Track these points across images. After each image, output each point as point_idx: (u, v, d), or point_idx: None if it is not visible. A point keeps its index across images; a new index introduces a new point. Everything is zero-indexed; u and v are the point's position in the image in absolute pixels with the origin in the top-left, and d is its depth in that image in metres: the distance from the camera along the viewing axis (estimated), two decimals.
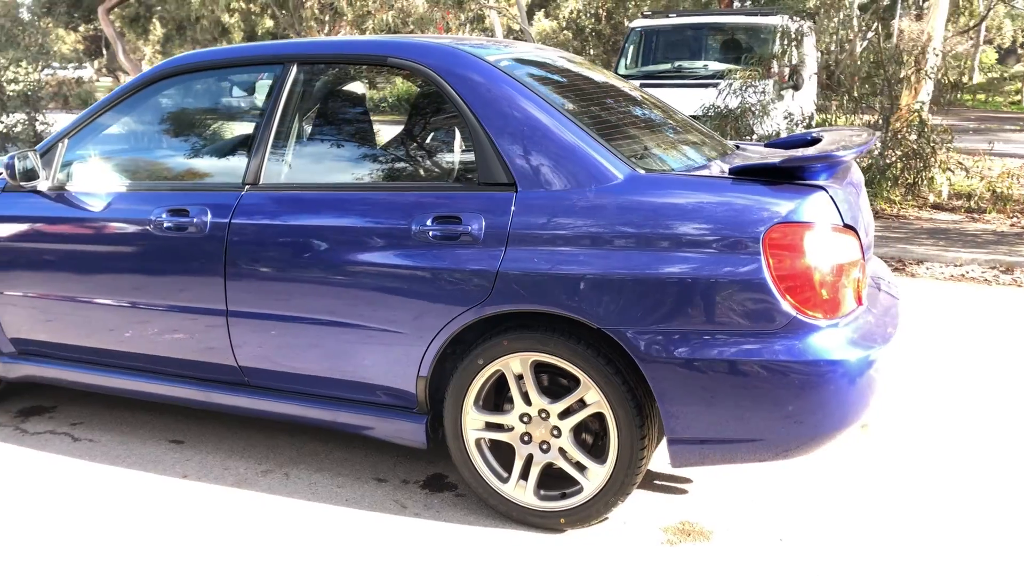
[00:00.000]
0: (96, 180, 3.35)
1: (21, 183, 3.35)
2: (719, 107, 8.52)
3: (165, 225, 3.10)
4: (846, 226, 2.52)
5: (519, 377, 2.74)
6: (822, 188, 2.50)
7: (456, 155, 2.98)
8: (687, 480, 3.09)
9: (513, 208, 2.65)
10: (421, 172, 2.97)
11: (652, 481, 3.07)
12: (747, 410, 2.48)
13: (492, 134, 2.72)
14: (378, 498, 3.02)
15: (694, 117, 8.46)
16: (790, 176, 2.53)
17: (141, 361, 3.34)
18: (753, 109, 8.42)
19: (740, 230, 2.43)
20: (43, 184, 3.37)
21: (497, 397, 2.81)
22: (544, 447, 2.76)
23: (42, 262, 3.40)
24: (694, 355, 2.47)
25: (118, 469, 3.27)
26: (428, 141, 3.04)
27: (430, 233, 2.73)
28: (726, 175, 2.62)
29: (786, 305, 2.40)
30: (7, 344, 3.58)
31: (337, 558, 2.67)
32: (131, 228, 3.18)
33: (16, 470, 3.28)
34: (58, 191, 3.37)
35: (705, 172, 2.71)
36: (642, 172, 2.61)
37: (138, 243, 3.17)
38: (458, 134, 2.91)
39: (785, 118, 8.71)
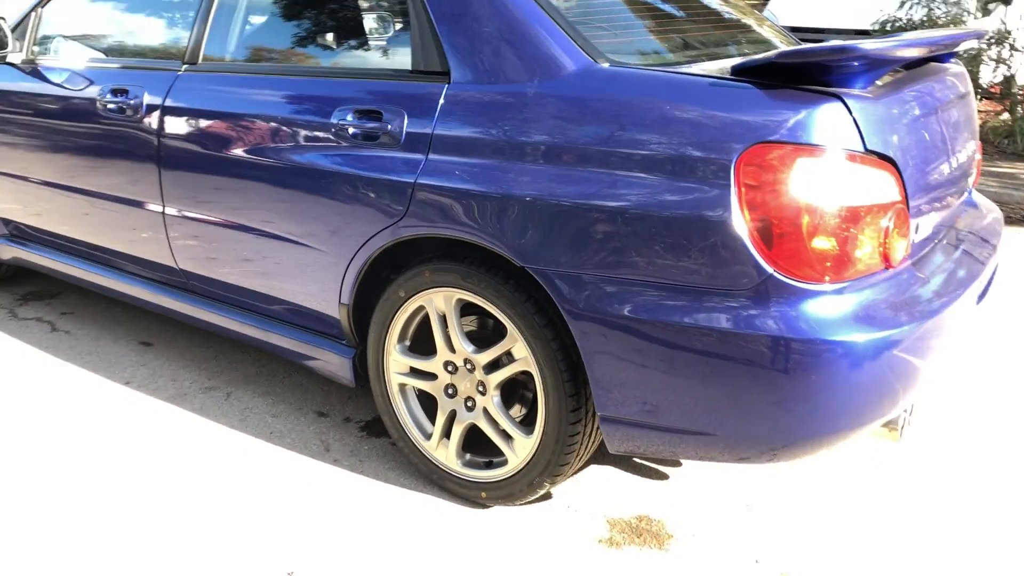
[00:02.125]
0: (64, 54, 3.07)
1: None
2: (899, 19, 7.21)
3: (108, 106, 2.78)
4: (872, 154, 1.78)
5: (443, 318, 2.23)
6: (838, 97, 1.76)
7: (395, 33, 2.43)
8: (675, 464, 2.49)
9: (441, 103, 2.09)
10: (358, 54, 2.45)
11: (629, 461, 2.49)
12: (693, 395, 1.85)
13: (429, 3, 2.15)
14: (306, 435, 2.64)
15: (862, 32, 7.28)
16: (804, 77, 1.80)
17: (100, 253, 3.09)
18: (943, 23, 7.05)
19: (707, 149, 1.76)
20: (15, 56, 3.13)
21: (428, 341, 2.31)
22: (469, 404, 2.25)
23: (12, 138, 3.19)
24: (632, 313, 1.85)
25: (72, 366, 3.08)
26: (372, 17, 2.50)
27: (349, 130, 2.22)
28: (721, 75, 1.92)
29: (760, 258, 1.73)
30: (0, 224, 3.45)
31: (212, 496, 2.32)
32: (84, 107, 2.88)
33: None
34: (30, 64, 3.13)
35: (696, 70, 2.00)
36: (603, 65, 1.96)
37: (89, 124, 2.88)
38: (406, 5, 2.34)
39: (989, 39, 7.18)
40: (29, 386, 2.93)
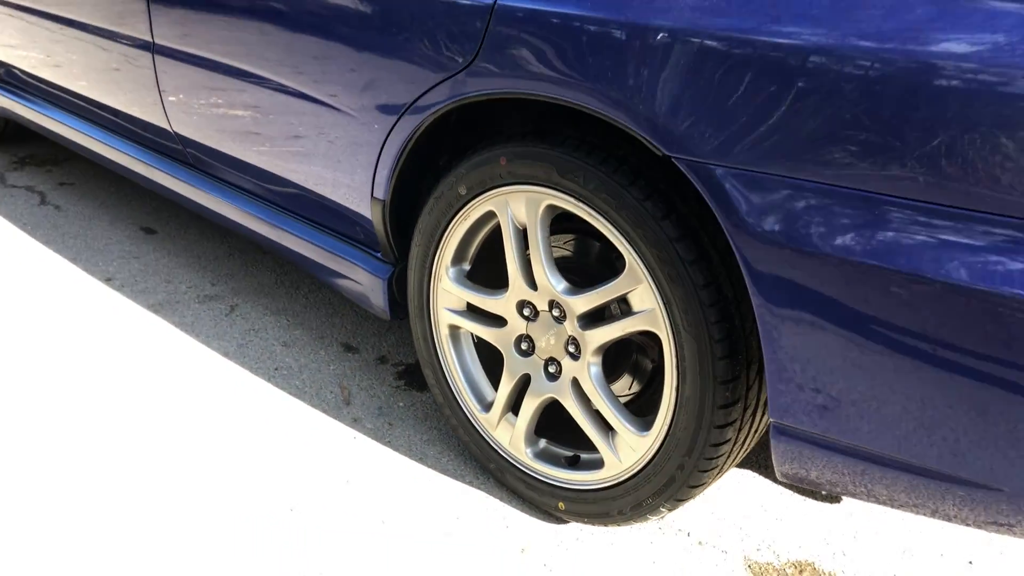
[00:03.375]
0: None
1: None
2: None
3: None
4: None
5: (522, 234, 1.42)
6: None
7: None
8: None
9: None
10: None
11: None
12: (977, 422, 1.01)
13: None
14: (322, 377, 1.90)
15: None
16: None
17: (89, 107, 2.37)
18: None
19: None
20: None
21: (498, 267, 1.50)
22: (552, 370, 1.46)
23: None
24: (869, 255, 1.01)
25: (47, 251, 2.41)
26: None
27: None
28: None
29: None
30: None
31: (159, 463, 1.62)
32: None
33: None
34: None
35: None
36: None
37: None
38: None
39: None
40: None
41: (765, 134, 1.04)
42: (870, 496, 1.17)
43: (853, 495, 1.19)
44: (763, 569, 1.44)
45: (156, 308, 2.15)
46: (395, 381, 1.90)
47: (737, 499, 1.58)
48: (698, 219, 1.21)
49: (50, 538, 1.43)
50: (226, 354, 1.97)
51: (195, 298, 2.20)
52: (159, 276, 2.30)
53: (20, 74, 2.62)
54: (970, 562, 1.46)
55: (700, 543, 1.48)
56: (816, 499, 1.59)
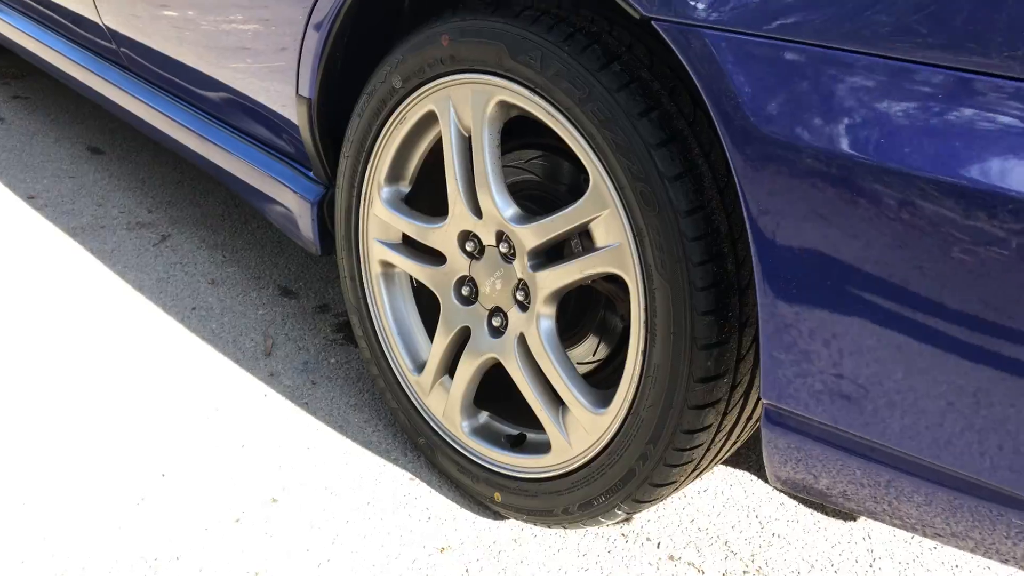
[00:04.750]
0: None
1: None
2: None
3: None
4: None
5: (467, 140, 1.09)
6: None
7: None
8: None
9: None
10: None
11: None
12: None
13: None
14: (247, 321, 1.60)
15: None
16: None
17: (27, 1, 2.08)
18: None
19: None
20: None
21: (440, 190, 1.17)
22: (496, 322, 1.13)
23: None
24: (907, 150, 0.67)
25: None
26: None
27: None
28: None
29: None
30: None
31: (46, 393, 1.32)
32: None
33: None
34: None
35: None
36: None
37: None
38: None
39: None
40: None
41: None
42: (894, 518, 0.84)
43: (872, 515, 0.86)
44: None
45: (75, 232, 1.86)
46: (332, 334, 1.59)
47: (725, 507, 1.25)
48: (689, 121, 0.88)
49: None
50: (140, 287, 1.67)
51: (124, 224, 1.91)
52: (91, 198, 2.01)
53: None
54: None
55: (672, 558, 1.16)
56: (826, 513, 1.25)
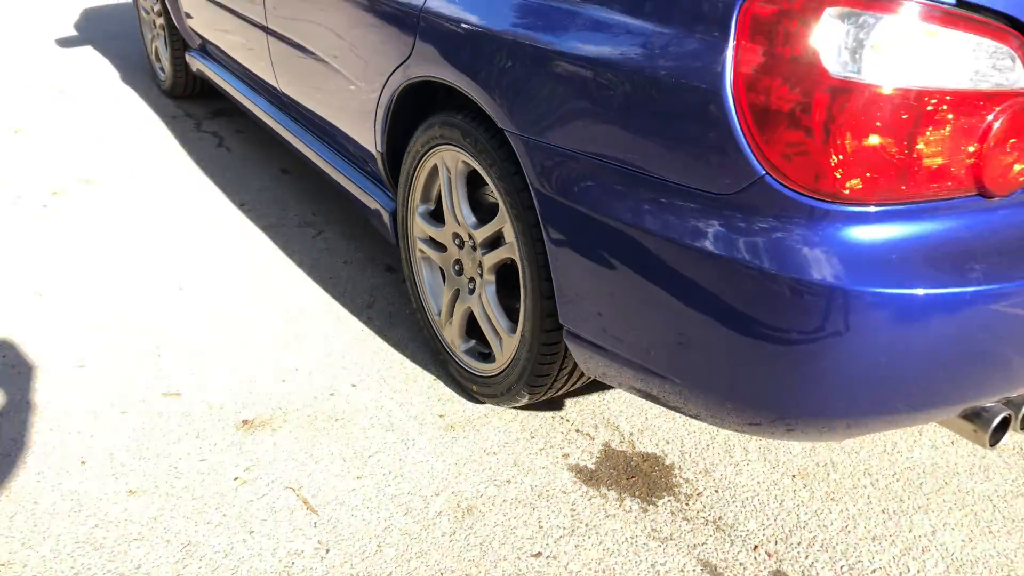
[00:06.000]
0: None
1: None
2: None
3: None
4: (970, 8, 1.14)
5: (451, 182, 1.92)
6: None
7: None
8: None
9: None
10: None
11: None
12: (660, 326, 1.40)
13: None
14: (360, 286, 2.51)
15: None
16: None
17: (237, 67, 3.12)
18: None
19: None
20: None
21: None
22: (471, 286, 1.95)
23: None
24: (593, 204, 1.43)
25: (207, 181, 3.20)
26: None
27: None
28: None
29: (751, 152, 1.21)
30: (192, 36, 3.61)
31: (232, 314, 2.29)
32: None
33: None
34: None
35: None
36: None
37: None
38: None
39: None
40: (169, 185, 3.09)
41: (546, 113, 1.48)
42: (640, 393, 1.57)
43: (648, 399, 1.58)
44: (613, 452, 1.86)
45: (266, 228, 2.85)
46: (380, 280, 2.47)
47: (627, 406, 1.99)
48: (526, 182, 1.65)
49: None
50: (300, 264, 2.63)
51: (296, 223, 2.89)
52: (278, 205, 3.02)
53: (209, 46, 3.43)
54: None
55: (578, 431, 1.92)
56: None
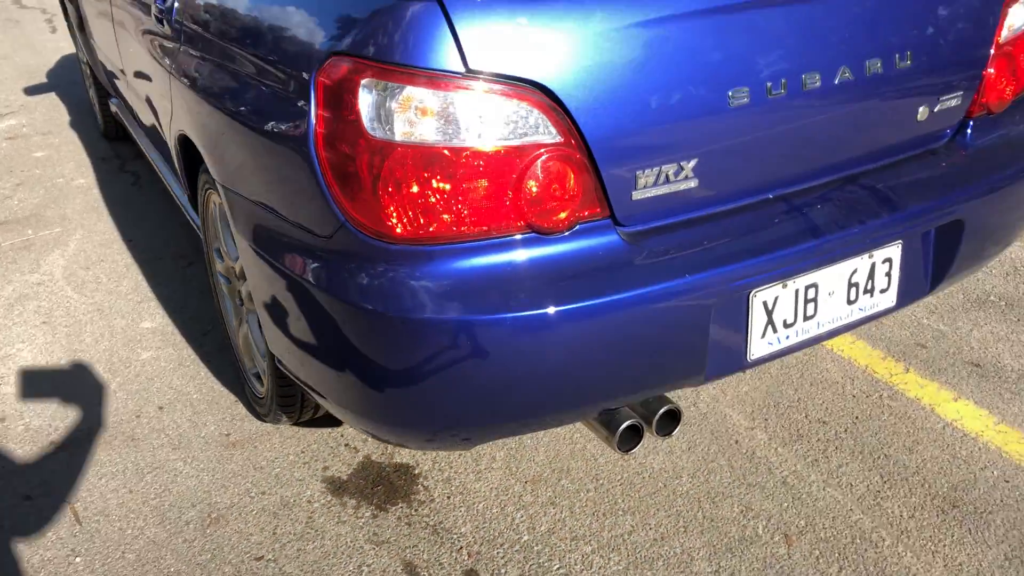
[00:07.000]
0: None
1: None
2: None
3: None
4: (494, 77, 1.29)
5: (216, 220, 2.12)
6: None
7: None
8: None
9: None
10: None
11: None
12: (318, 353, 1.57)
13: None
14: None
15: None
16: None
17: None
18: None
19: (294, 62, 1.43)
20: None
21: None
22: (249, 315, 2.14)
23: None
24: (254, 240, 1.63)
25: (134, 206, 3.45)
26: None
27: (153, 7, 2.14)
28: None
29: (333, 202, 1.38)
30: (108, 84, 3.88)
31: None
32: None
33: None
34: None
35: None
36: None
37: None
38: None
39: None
40: (71, 222, 3.36)
41: (225, 160, 1.67)
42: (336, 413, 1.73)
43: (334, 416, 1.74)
44: (360, 467, 2.02)
45: (143, 261, 3.09)
46: None
47: None
48: None
49: None
50: (158, 292, 2.85)
51: (172, 255, 3.12)
52: (163, 239, 3.25)
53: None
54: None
55: (346, 444, 2.09)
56: None
